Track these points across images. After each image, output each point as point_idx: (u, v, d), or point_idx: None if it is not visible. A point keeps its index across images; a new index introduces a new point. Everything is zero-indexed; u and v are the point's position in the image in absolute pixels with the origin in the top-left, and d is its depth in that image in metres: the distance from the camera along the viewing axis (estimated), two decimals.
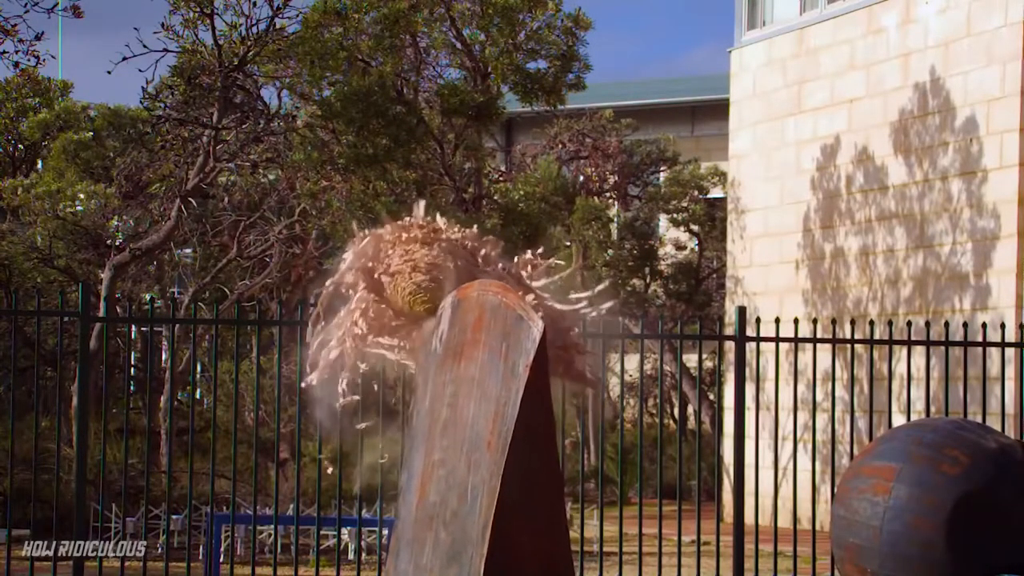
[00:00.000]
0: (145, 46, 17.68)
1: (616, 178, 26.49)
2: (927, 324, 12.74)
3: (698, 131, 31.62)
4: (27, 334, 19.44)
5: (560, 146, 26.59)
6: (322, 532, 14.85)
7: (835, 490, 4.09)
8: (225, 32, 18.04)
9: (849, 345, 13.14)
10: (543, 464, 4.48)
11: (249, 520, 13.43)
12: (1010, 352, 13.98)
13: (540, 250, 5.03)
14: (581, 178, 26.48)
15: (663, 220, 27.26)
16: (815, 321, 12.90)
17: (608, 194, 26.77)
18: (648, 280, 26.35)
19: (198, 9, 17.60)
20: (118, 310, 15.12)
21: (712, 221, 25.79)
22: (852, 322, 13.63)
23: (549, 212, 20.42)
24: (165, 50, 17.99)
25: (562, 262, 5.48)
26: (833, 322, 12.53)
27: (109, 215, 19.89)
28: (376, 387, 6.00)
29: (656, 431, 16.35)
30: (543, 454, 4.49)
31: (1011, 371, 14.28)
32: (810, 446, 14.30)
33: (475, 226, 5.11)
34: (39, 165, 23.21)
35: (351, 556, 14.85)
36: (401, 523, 4.78)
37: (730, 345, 12.85)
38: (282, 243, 20.91)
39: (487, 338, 4.51)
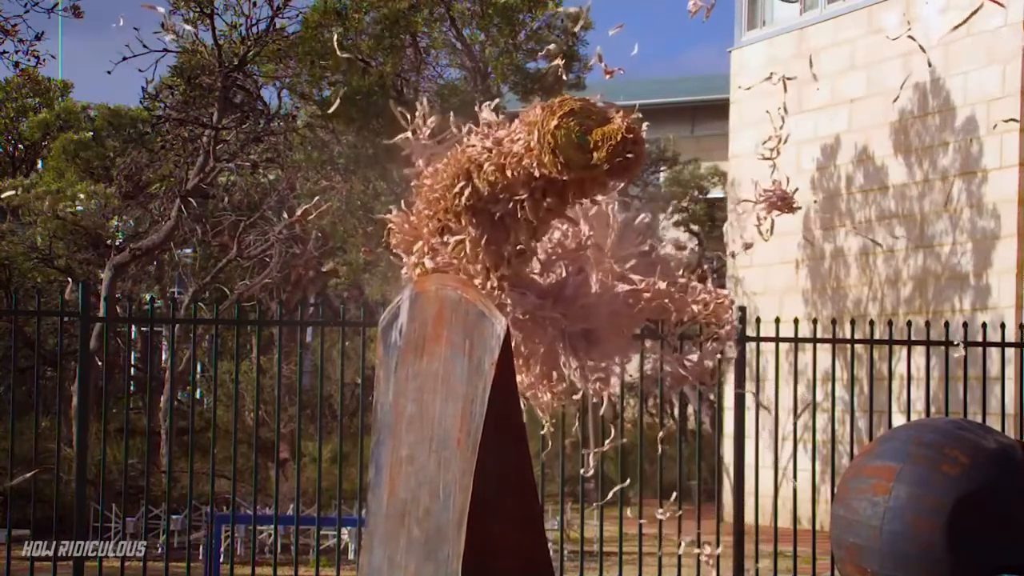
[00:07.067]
0: (145, 46, 17.71)
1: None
2: (927, 324, 12.73)
3: (698, 131, 31.58)
4: (27, 334, 19.43)
5: None
6: (322, 532, 14.85)
7: (835, 490, 4.09)
8: (225, 32, 18.06)
9: (849, 345, 13.14)
10: (515, 461, 4.43)
11: (249, 520, 13.43)
12: (1010, 352, 13.97)
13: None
14: None
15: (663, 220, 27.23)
16: (815, 321, 12.89)
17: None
18: None
19: (198, 9, 17.61)
20: (118, 310, 15.10)
21: (712, 221, 25.77)
22: (852, 322, 13.62)
23: None
24: (165, 50, 18.02)
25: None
26: (833, 322, 12.52)
27: (109, 215, 19.89)
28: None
29: (656, 431, 16.34)
30: (514, 450, 4.44)
31: (1011, 371, 14.27)
32: (810, 446, 14.30)
33: None
34: (39, 165, 23.20)
35: (351, 556, 14.85)
36: (372, 517, 4.73)
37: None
38: (282, 243, 20.89)
39: (449, 334, 4.47)
